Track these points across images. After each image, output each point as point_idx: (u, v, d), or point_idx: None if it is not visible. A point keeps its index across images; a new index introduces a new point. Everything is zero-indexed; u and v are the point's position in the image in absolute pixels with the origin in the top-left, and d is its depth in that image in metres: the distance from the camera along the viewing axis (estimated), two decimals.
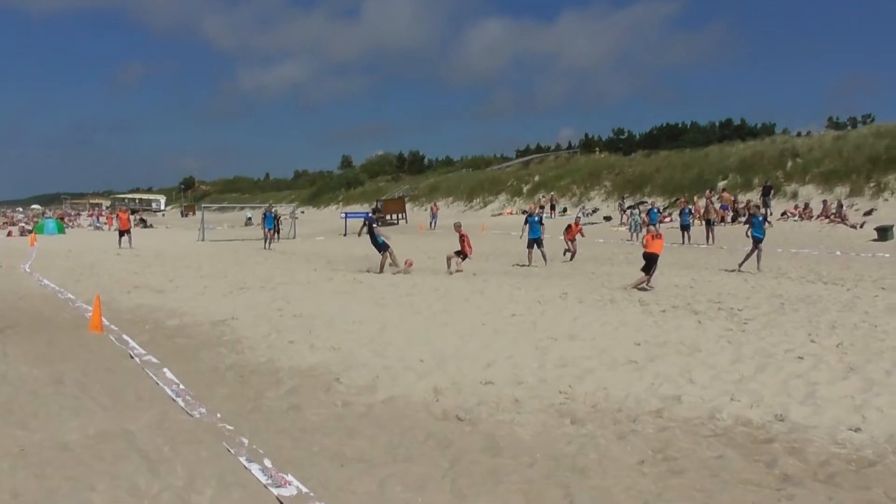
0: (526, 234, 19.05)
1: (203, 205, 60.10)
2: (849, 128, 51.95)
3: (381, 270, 17.65)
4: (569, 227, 20.82)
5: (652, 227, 15.77)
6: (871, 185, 33.15)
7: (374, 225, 18.45)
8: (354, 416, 6.32)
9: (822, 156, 37.45)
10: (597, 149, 68.23)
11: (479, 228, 37.10)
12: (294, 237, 35.34)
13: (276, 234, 30.57)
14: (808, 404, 6.47)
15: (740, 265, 16.98)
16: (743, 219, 32.95)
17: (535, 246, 18.88)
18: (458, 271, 17.18)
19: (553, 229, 21.30)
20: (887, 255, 20.37)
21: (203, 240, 34.34)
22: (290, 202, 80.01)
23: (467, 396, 6.86)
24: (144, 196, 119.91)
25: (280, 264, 21.07)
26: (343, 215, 41.78)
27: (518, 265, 18.99)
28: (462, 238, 17.76)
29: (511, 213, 50.21)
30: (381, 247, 17.87)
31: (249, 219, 60.75)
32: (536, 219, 19.43)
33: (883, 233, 24.68)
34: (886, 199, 31.84)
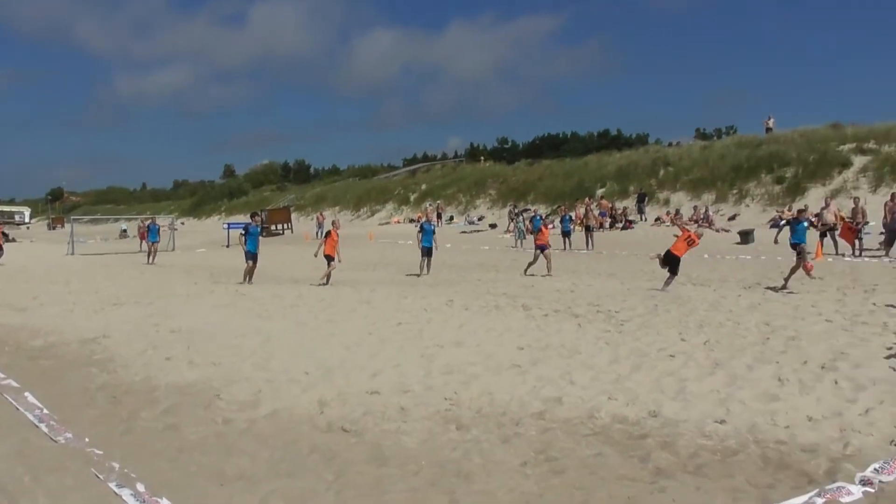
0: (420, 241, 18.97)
1: (73, 217, 56.76)
2: (714, 138, 55.36)
3: (245, 280, 17.31)
4: (539, 230, 19.48)
5: (697, 228, 15.78)
6: (735, 192, 35.43)
7: (254, 232, 17.90)
8: (235, 433, 6.12)
9: (690, 165, 39.71)
10: (482, 158, 69.44)
11: (366, 238, 36.93)
12: (173, 249, 33.96)
13: (150, 246, 29.17)
14: (678, 400, 6.81)
15: (787, 280, 14.26)
16: (620, 224, 34.48)
17: (427, 255, 18.81)
18: (324, 278, 16.87)
19: (440, 238, 21.50)
20: (748, 257, 21.81)
21: (73, 254, 32.42)
22: (169, 213, 76.92)
23: (353, 407, 6.79)
24: (6, 208, 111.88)
25: (158, 278, 20.18)
26: (225, 226, 40.56)
27: (411, 275, 18.97)
28: (327, 235, 17.40)
29: (399, 222, 50.29)
30: (253, 256, 17.49)
31: (124, 231, 57.91)
32: (431, 227, 19.48)
33: (745, 236, 26.42)
34: (748, 205, 34.13)
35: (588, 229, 28.43)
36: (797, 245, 13.95)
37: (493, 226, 41.87)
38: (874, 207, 26.23)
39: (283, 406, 6.88)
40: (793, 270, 13.92)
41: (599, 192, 41.51)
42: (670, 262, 14.16)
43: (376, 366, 8.35)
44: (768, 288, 14.37)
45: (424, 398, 7.06)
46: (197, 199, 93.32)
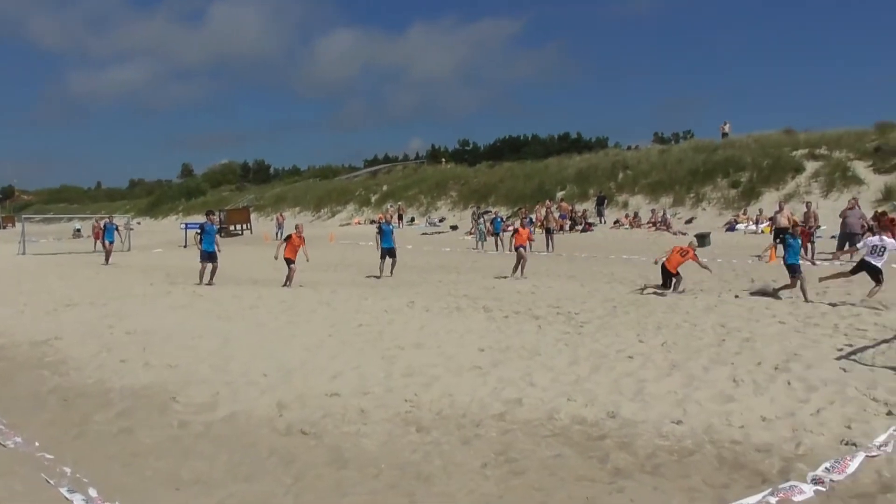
0: (379, 243, 18.79)
1: (24, 216, 55.29)
2: (672, 143, 56.17)
3: (201, 281, 17.04)
4: (516, 231, 19.09)
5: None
6: (691, 195, 36.04)
7: (210, 231, 17.59)
8: (192, 436, 6.03)
9: (649, 168, 40.27)
10: (443, 159, 69.50)
11: (326, 239, 36.68)
12: (129, 249, 33.30)
13: (107, 246, 28.54)
14: (637, 401, 6.89)
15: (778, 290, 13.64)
16: (580, 226, 34.82)
17: (388, 256, 18.67)
18: (287, 282, 16.61)
19: (401, 240, 21.43)
20: (705, 259, 22.14)
21: (24, 253, 31.56)
22: (125, 213, 75.36)
23: (313, 409, 6.73)
24: None
25: (113, 278, 19.75)
26: (183, 226, 39.89)
27: (372, 276, 18.85)
28: (287, 239, 17.03)
29: (359, 224, 50.06)
30: (210, 256, 17.18)
31: (78, 230, 56.58)
32: (391, 228, 19.33)
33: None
34: (704, 209, 34.73)
35: (548, 231, 28.63)
36: (793, 266, 13.20)
37: (454, 227, 41.92)
38: (825, 212, 26.95)
39: (241, 408, 6.79)
40: (787, 286, 13.29)
41: (560, 194, 41.85)
42: (665, 274, 14.27)
43: (336, 367, 8.29)
44: (768, 293, 14.51)
45: (385, 400, 7.04)
46: (154, 198, 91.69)
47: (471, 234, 34.87)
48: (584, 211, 37.67)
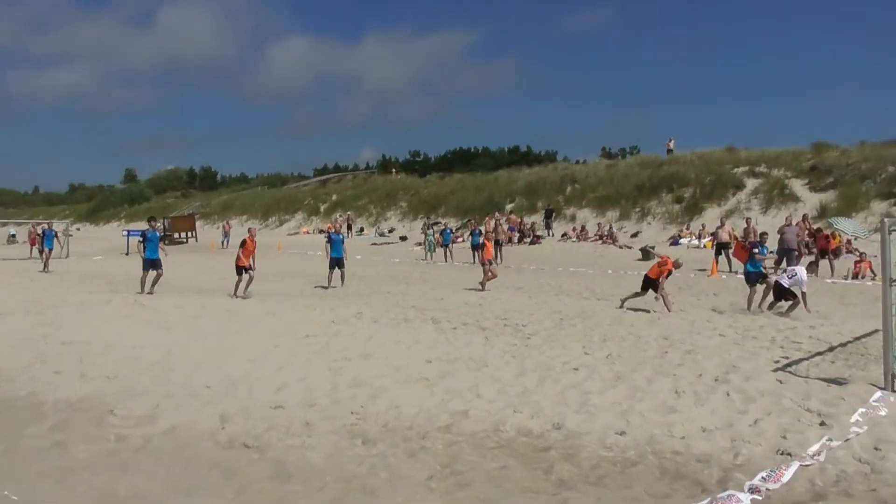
0: (329, 252, 18.61)
1: None
2: (619, 158, 57.17)
3: (143, 290, 16.60)
4: (483, 244, 19.18)
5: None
6: (637, 210, 36.78)
7: (153, 238, 17.15)
8: (130, 450, 5.87)
9: (596, 182, 40.96)
10: (394, 170, 69.45)
11: (274, 248, 36.22)
12: (67, 256, 32.32)
13: (45, 253, 27.64)
14: (581, 412, 6.97)
15: (760, 306, 13.55)
16: (529, 238, 35.15)
17: (337, 266, 18.51)
18: (243, 292, 16.23)
19: (350, 250, 21.24)
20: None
21: None
22: (64, 218, 73.15)
23: (256, 422, 6.62)
24: None
25: (50, 286, 19.14)
26: (125, 233, 38.91)
27: (319, 287, 18.65)
28: (243, 244, 16.62)
29: (308, 233, 49.60)
30: (153, 264, 16.73)
31: (13, 236, 54.65)
32: (340, 237, 19.17)
33: (646, 253, 27.40)
34: (649, 223, 35.47)
35: (497, 243, 28.78)
36: (757, 274, 13.47)
37: (403, 238, 41.88)
38: (764, 228, 27.77)
39: (182, 421, 6.64)
40: (763, 296, 13.47)
41: (509, 206, 42.21)
42: (646, 283, 14.24)
43: (282, 379, 8.18)
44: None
45: (331, 412, 6.97)
46: (95, 204, 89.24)
47: (421, 244, 34.86)
48: (533, 223, 38.06)
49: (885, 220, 8.31)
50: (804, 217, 25.91)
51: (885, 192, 30.57)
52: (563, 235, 35.77)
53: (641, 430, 6.41)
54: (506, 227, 35.79)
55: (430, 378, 8.29)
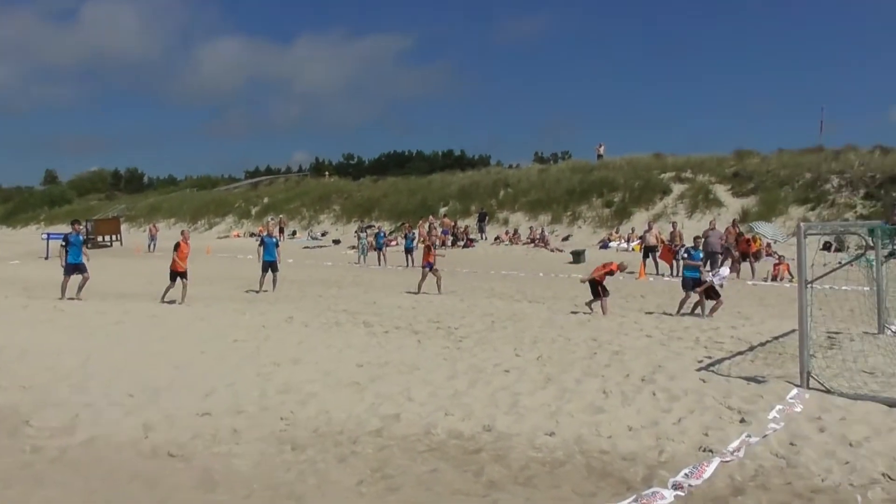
0: (261, 256, 18.23)
1: None
2: (551, 163, 58.01)
3: (63, 295, 15.89)
4: (428, 248, 19.22)
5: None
6: (568, 213, 37.43)
7: (76, 241, 16.45)
8: (45, 462, 5.63)
9: (529, 187, 41.50)
10: (327, 173, 68.75)
11: (203, 252, 35.38)
12: None
13: None
14: (512, 414, 7.03)
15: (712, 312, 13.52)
16: (462, 242, 35.33)
17: (270, 270, 18.17)
18: (181, 298, 15.67)
19: (281, 253, 20.85)
20: (580, 275, 22.99)
21: None
22: None
23: (181, 430, 6.45)
24: None
25: None
26: (45, 236, 37.36)
27: (251, 291, 18.25)
28: (176, 248, 15.95)
29: (239, 236, 48.64)
30: (77, 268, 16.03)
31: None
32: (273, 241, 18.82)
33: (577, 256, 27.92)
34: (580, 227, 36.15)
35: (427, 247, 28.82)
36: (693, 280, 13.63)
37: (336, 241, 41.52)
38: (689, 231, 28.62)
39: (102, 432, 6.40)
40: (700, 301, 13.55)
41: (442, 210, 42.36)
42: (593, 286, 14.19)
43: (208, 386, 7.99)
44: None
45: (259, 419, 6.84)
46: (12, 206, 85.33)
47: (354, 248, 34.63)
48: (466, 227, 38.28)
49: (801, 224, 8.68)
50: (733, 222, 26.78)
51: (801, 197, 31.96)
52: (495, 239, 36.09)
53: (570, 430, 6.51)
54: (439, 230, 35.92)
55: (362, 382, 8.24)
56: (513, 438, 6.32)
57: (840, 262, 9.43)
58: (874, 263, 11.46)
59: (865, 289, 11.24)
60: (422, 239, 32.31)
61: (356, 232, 37.94)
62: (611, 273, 14.21)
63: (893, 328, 11.49)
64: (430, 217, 38.93)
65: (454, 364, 9.23)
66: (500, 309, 14.69)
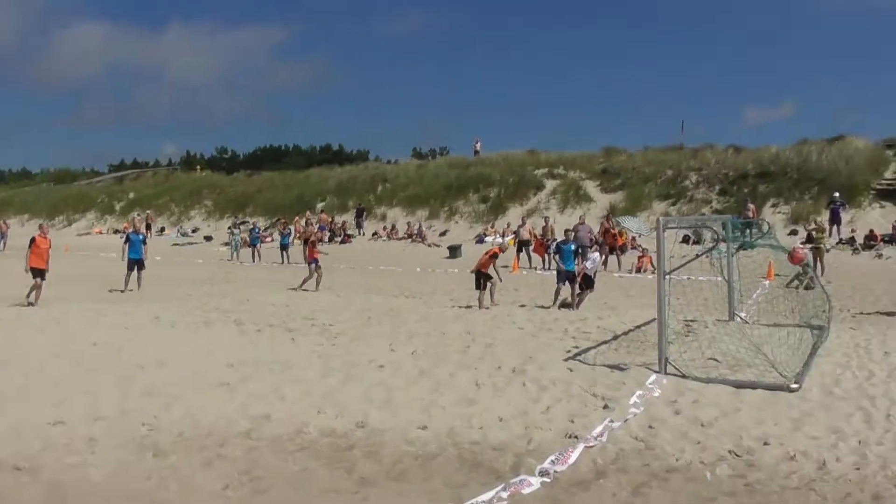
0: (126, 254, 17.23)
1: None
2: (429, 158, 58.36)
3: None
4: (313, 244, 18.91)
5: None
6: (446, 209, 37.80)
7: None
8: None
9: (407, 182, 41.59)
10: (198, 167, 66.13)
11: (61, 250, 33.18)
12: None
13: None
14: (385, 409, 7.02)
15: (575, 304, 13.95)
16: (339, 237, 34.98)
17: (136, 268, 17.21)
18: (33, 298, 14.56)
19: (149, 251, 19.74)
20: (456, 270, 23.31)
21: None
22: None
23: (29, 441, 6.00)
24: None
25: None
26: None
27: (115, 290, 17.22)
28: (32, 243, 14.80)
29: (101, 233, 45.98)
30: None
31: None
32: (140, 238, 17.85)
33: (453, 251, 28.29)
34: (457, 222, 36.60)
35: (311, 244, 28.31)
36: (568, 273, 13.87)
37: (208, 238, 40.05)
38: (561, 226, 29.64)
39: None
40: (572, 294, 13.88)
41: (320, 205, 41.74)
42: (479, 276, 14.16)
43: (62, 393, 7.48)
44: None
45: (118, 425, 6.48)
46: None
47: (226, 245, 33.54)
48: (344, 222, 37.92)
49: (661, 219, 9.17)
50: (607, 216, 27.94)
51: (664, 193, 33.76)
52: (373, 234, 35.96)
53: (443, 423, 6.57)
54: (316, 226, 35.37)
55: (231, 382, 7.98)
56: (386, 434, 6.31)
57: (696, 255, 10.02)
58: (726, 255, 12.29)
59: (719, 279, 12.00)
60: (304, 235, 31.74)
61: (229, 228, 36.79)
62: (495, 256, 14.29)
63: (742, 315, 12.38)
64: (308, 212, 38.26)
65: (328, 361, 9.12)
66: (376, 305, 14.64)
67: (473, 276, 14.39)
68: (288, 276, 21.47)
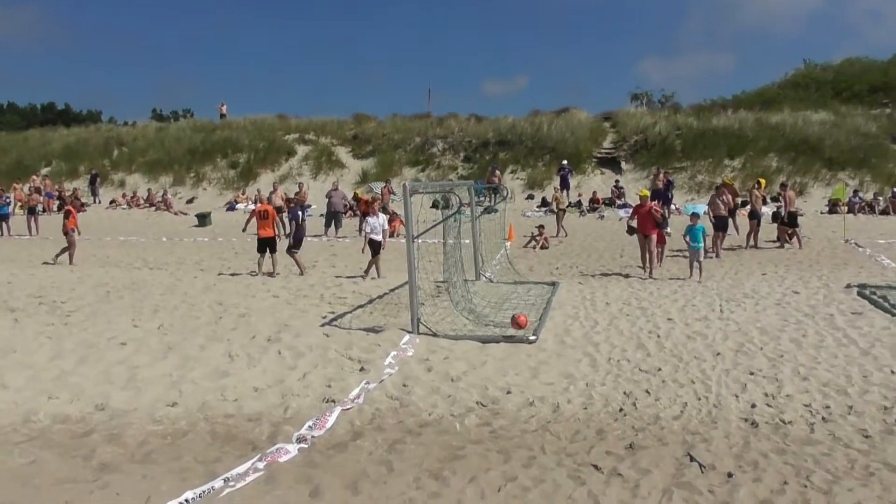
0: None
1: None
2: (171, 121, 54.57)
3: None
4: (70, 212, 16.71)
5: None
6: (192, 175, 35.73)
7: None
8: None
9: (146, 146, 38.58)
10: None
11: None
12: None
13: None
14: (129, 389, 6.56)
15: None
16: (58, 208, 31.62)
17: None
18: None
19: None
20: (206, 239, 22.25)
21: None
22: None
23: None
24: None
25: None
26: None
27: None
28: None
29: None
30: None
31: None
32: None
33: (202, 219, 26.90)
34: (205, 189, 34.78)
35: (31, 211, 25.29)
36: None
37: None
38: (315, 192, 29.46)
39: None
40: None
41: (44, 171, 37.37)
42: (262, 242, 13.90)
43: None
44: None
45: None
46: None
47: None
48: (76, 190, 34.27)
49: (406, 183, 9.45)
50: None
51: (413, 160, 34.84)
52: (111, 202, 33.02)
53: (194, 398, 6.30)
54: (43, 194, 31.67)
55: None
56: (130, 414, 5.90)
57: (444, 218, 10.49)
58: (471, 218, 13.04)
59: (466, 241, 12.68)
60: (29, 203, 28.20)
61: None
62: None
63: (487, 275, 13.26)
64: (34, 177, 34.03)
65: (60, 342, 8.28)
66: (116, 278, 13.52)
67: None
68: (9, 250, 19.09)
